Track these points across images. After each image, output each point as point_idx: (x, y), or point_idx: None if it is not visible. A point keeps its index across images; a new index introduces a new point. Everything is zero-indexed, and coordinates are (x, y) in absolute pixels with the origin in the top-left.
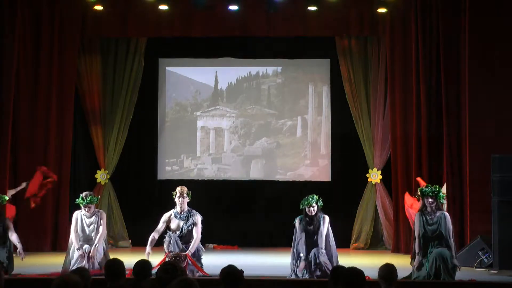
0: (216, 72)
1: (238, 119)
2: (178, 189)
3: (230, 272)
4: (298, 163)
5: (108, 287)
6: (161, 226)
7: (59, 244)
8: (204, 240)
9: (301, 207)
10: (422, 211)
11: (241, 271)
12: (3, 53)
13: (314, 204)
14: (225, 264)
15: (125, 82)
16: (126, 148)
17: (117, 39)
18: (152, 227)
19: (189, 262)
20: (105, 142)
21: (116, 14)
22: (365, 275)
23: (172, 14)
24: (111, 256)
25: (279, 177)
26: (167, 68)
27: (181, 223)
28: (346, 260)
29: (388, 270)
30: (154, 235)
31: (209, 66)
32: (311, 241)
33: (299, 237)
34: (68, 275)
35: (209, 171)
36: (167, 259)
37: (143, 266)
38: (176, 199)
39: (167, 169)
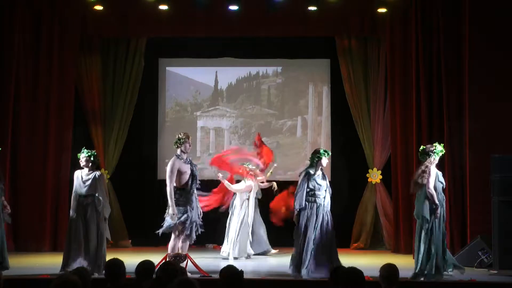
0: (216, 72)
1: (238, 119)
2: (182, 133)
3: (230, 272)
4: (298, 163)
5: (108, 287)
6: (175, 177)
7: (59, 244)
8: (204, 240)
9: (318, 157)
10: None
11: (241, 271)
12: (3, 53)
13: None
14: (225, 264)
15: (125, 82)
16: (126, 148)
17: (117, 39)
18: (152, 227)
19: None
20: (105, 142)
21: (116, 14)
22: (365, 275)
23: (172, 14)
24: (112, 256)
25: (279, 177)
26: (167, 68)
27: (192, 167)
28: (346, 260)
29: (390, 270)
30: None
31: (209, 66)
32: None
33: (303, 190)
34: (67, 275)
35: (209, 171)
36: (167, 259)
37: (145, 266)
38: (186, 144)
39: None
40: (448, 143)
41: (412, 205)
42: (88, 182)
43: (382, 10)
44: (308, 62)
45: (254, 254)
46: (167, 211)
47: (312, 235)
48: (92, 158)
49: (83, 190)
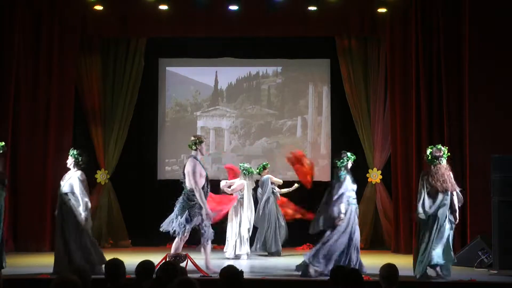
0: (216, 72)
1: (238, 119)
2: (198, 135)
3: (230, 272)
4: None
5: (108, 287)
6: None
7: None
8: None
9: (347, 160)
10: None
11: (241, 272)
12: (3, 53)
13: None
14: (225, 264)
15: (125, 82)
16: (126, 148)
17: (117, 39)
18: (152, 227)
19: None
20: (105, 142)
21: (116, 14)
22: (365, 275)
23: (172, 14)
24: (112, 256)
25: (279, 177)
26: (167, 68)
27: (205, 170)
28: None
29: (390, 270)
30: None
31: (209, 66)
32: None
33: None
34: (67, 276)
35: (209, 171)
36: (167, 259)
37: (145, 266)
38: (204, 146)
39: (167, 169)
40: (448, 143)
41: (412, 206)
42: (65, 181)
43: (382, 10)
44: (308, 62)
45: (265, 255)
46: (178, 211)
47: (347, 236)
48: (73, 158)
49: (61, 188)
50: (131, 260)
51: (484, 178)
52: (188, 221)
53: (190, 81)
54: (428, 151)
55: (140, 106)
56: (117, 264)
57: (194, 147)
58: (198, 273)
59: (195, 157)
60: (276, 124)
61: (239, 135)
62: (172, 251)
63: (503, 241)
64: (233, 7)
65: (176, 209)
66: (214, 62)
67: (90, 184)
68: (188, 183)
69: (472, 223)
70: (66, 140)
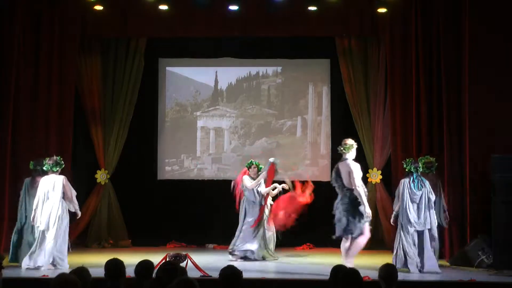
0: (216, 72)
1: (238, 119)
2: (349, 141)
3: (230, 272)
4: (298, 163)
5: (108, 287)
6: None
7: None
8: (204, 240)
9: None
10: None
11: (240, 272)
12: (3, 53)
13: None
14: (225, 265)
15: (125, 82)
16: (126, 148)
17: (117, 39)
18: (152, 227)
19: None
20: (105, 142)
21: (116, 14)
22: (365, 275)
23: (172, 14)
24: (112, 256)
25: (279, 177)
26: (167, 68)
27: None
28: None
29: (388, 270)
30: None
31: (209, 66)
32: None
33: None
34: (67, 275)
35: (209, 171)
36: (167, 259)
37: (144, 266)
38: (355, 150)
39: (167, 169)
40: (448, 143)
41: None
42: None
43: (382, 10)
44: (308, 62)
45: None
46: (347, 213)
47: None
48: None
49: None
50: (131, 260)
51: (484, 178)
52: (363, 217)
53: (190, 81)
54: (422, 162)
55: (140, 106)
56: (117, 264)
57: (345, 151)
58: (199, 273)
59: (349, 160)
60: (276, 124)
61: (239, 135)
62: (355, 253)
63: (503, 241)
64: (233, 7)
65: (341, 213)
66: (214, 62)
67: (90, 184)
68: (348, 184)
69: (472, 223)
70: (66, 140)
